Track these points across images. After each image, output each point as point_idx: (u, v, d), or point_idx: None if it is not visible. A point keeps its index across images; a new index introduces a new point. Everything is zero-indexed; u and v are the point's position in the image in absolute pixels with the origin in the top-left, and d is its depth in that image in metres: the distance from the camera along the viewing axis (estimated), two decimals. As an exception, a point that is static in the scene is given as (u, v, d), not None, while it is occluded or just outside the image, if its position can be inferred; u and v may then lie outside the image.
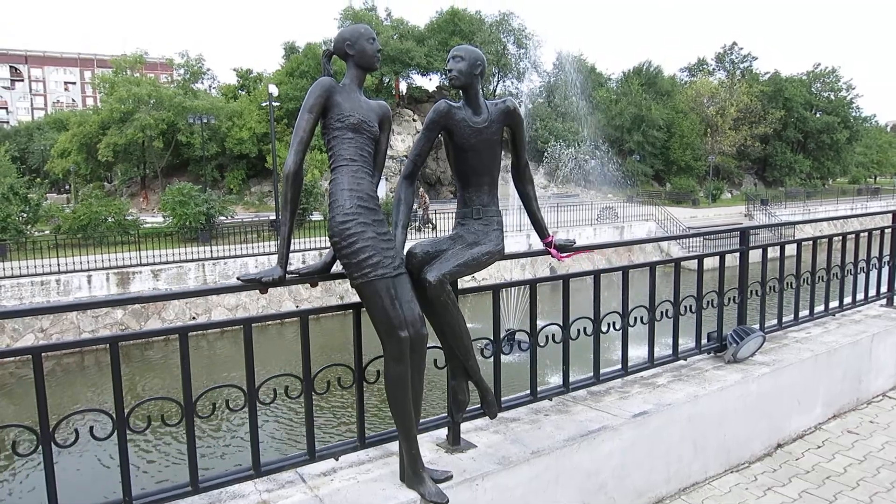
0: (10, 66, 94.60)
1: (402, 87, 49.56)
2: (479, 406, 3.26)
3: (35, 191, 28.70)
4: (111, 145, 38.67)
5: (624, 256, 27.74)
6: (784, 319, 5.08)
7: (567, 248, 3.41)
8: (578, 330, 3.66)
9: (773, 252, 4.83)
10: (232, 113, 40.62)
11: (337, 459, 2.97)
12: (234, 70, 46.82)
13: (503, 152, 3.24)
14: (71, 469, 10.27)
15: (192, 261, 21.59)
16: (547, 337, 3.54)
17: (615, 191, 44.17)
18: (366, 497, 2.76)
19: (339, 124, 2.69)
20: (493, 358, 3.36)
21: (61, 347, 2.58)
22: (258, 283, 2.59)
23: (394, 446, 3.07)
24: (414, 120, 46.82)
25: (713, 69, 61.52)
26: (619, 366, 3.95)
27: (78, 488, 9.62)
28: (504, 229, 3.18)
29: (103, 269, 20.45)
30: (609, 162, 41.97)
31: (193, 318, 20.18)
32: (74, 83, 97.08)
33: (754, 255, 4.62)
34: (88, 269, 20.27)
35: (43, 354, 2.33)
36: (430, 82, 50.39)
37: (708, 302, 4.36)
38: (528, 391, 3.54)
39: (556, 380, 3.75)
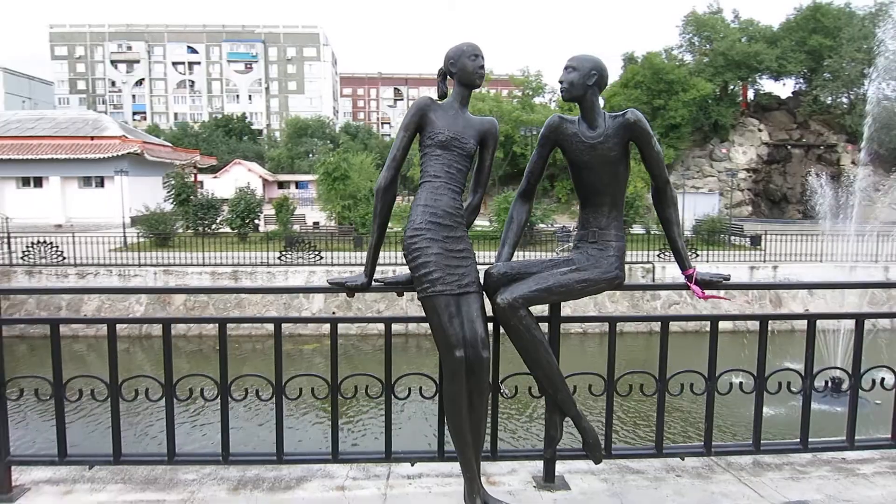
0: (394, 88, 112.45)
1: (749, 93, 45.49)
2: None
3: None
4: (458, 154, 43.25)
5: None
6: None
7: (712, 285, 2.92)
8: (731, 383, 3.08)
9: None
10: (564, 125, 42.09)
11: (413, 465, 3.04)
12: (572, 83, 48.36)
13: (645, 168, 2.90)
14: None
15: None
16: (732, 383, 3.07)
17: None
18: (424, 509, 2.78)
19: (430, 141, 2.75)
20: (604, 396, 3.04)
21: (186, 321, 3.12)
22: (344, 287, 2.81)
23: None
24: (760, 130, 42.61)
25: None
26: (798, 438, 3.20)
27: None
28: (624, 256, 2.87)
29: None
30: None
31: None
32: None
33: None
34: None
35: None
36: (784, 87, 45.30)
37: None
38: (655, 445, 3.11)
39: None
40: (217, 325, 2.88)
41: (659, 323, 3.05)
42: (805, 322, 3.05)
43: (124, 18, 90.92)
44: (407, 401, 3.07)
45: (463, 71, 2.82)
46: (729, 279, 2.95)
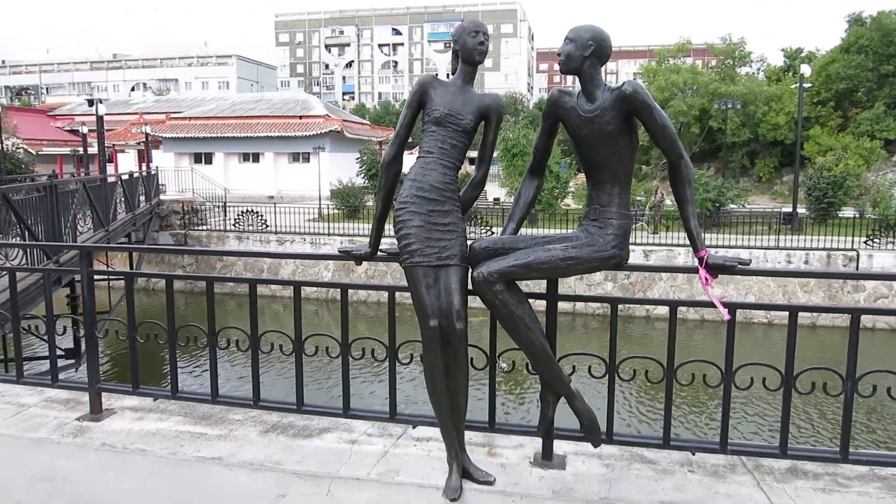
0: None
1: None
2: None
3: (566, 171, 32.99)
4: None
5: None
6: None
7: (725, 269, 2.69)
8: (753, 377, 2.82)
9: None
10: (770, 97, 38.22)
11: (414, 427, 3.18)
12: (782, 50, 43.67)
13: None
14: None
15: (679, 245, 21.71)
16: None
17: None
18: (414, 469, 2.95)
19: (427, 118, 2.86)
20: (606, 378, 2.94)
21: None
22: (351, 256, 3.03)
23: (477, 436, 3.10)
24: None
25: None
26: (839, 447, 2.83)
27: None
28: (627, 234, 2.75)
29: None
30: None
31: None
32: (639, 73, 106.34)
33: None
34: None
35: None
36: None
37: None
38: (661, 434, 2.94)
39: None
40: (248, 284, 3.25)
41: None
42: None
43: (339, 4, 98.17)
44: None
45: (464, 48, 2.87)
46: (748, 264, 2.70)
